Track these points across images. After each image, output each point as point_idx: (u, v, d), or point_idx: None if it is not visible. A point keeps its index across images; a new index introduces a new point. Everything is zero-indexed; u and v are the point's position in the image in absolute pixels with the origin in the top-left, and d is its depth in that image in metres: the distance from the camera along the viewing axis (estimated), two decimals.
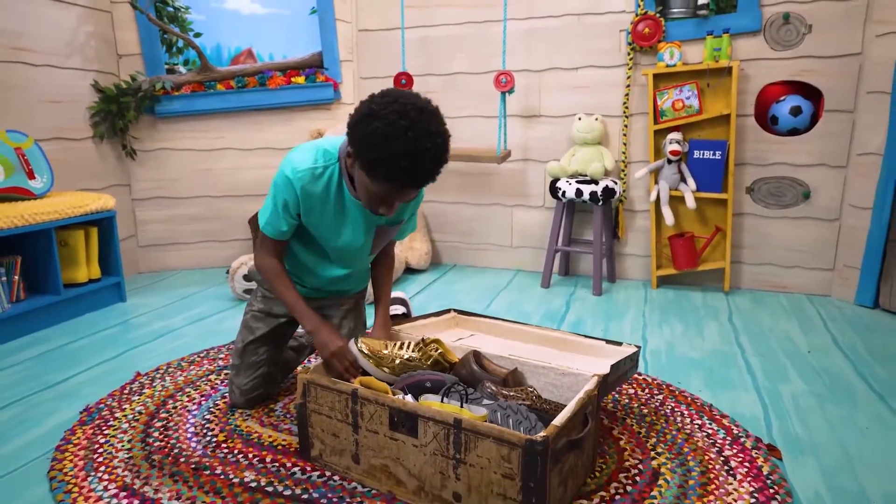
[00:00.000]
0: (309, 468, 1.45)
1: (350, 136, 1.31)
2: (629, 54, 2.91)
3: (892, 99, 2.49)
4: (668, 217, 2.82)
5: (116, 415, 1.71)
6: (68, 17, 2.80)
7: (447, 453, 1.22)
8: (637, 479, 1.39)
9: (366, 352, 1.51)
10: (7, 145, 2.44)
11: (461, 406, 1.26)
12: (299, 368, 1.77)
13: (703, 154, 2.79)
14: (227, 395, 1.83)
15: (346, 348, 1.49)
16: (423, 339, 1.57)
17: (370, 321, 2.17)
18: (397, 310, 2.34)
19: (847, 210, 2.72)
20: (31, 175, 2.50)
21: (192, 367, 2.03)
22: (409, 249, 3.25)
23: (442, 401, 1.30)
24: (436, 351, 1.56)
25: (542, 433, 1.12)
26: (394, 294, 2.28)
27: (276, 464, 1.47)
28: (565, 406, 1.36)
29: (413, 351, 1.54)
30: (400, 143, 1.22)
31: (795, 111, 2.72)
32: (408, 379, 1.45)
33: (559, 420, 1.17)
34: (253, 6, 3.54)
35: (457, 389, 1.32)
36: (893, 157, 2.51)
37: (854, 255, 2.70)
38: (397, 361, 1.51)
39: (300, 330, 1.93)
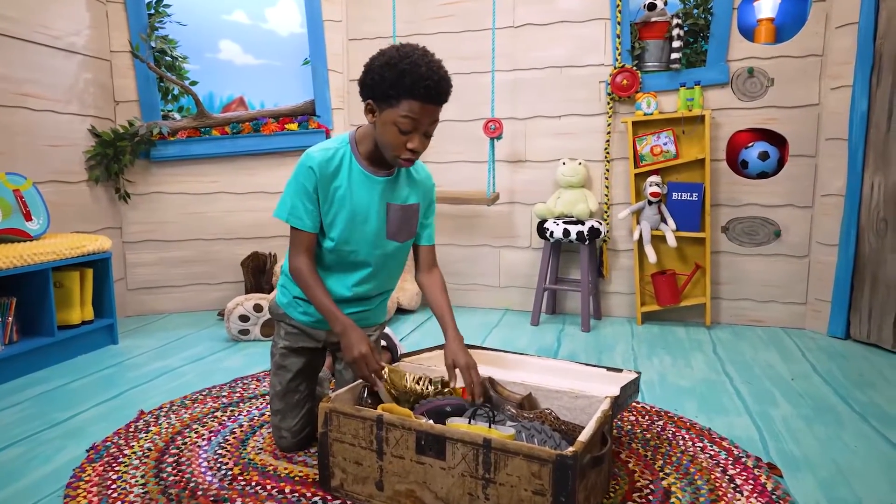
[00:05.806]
0: (330, 498, 1.46)
1: (366, 83, 1.45)
2: (609, 103, 3.11)
3: (849, 145, 2.72)
4: (651, 255, 2.96)
5: (125, 451, 1.70)
6: (70, 65, 2.86)
7: (476, 474, 1.26)
8: (650, 497, 1.45)
9: (387, 382, 1.55)
10: (6, 187, 2.45)
11: (489, 427, 1.32)
12: None
13: (681, 196, 2.96)
14: (235, 430, 1.83)
15: (371, 353, 1.50)
16: (441, 379, 1.60)
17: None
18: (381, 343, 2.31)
19: (815, 247, 2.92)
20: (28, 217, 2.50)
21: (195, 405, 2.03)
22: (400, 290, 3.31)
23: (469, 422, 1.35)
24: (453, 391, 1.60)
25: (571, 448, 1.18)
26: None
27: (296, 494, 1.48)
28: (582, 427, 1.43)
29: (433, 387, 1.57)
30: (415, 55, 1.40)
31: (763, 156, 2.94)
32: (427, 405, 1.49)
33: (584, 436, 1.24)
34: (246, 57, 3.67)
35: (484, 411, 1.38)
36: (854, 197, 2.72)
37: (824, 289, 2.87)
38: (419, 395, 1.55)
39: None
